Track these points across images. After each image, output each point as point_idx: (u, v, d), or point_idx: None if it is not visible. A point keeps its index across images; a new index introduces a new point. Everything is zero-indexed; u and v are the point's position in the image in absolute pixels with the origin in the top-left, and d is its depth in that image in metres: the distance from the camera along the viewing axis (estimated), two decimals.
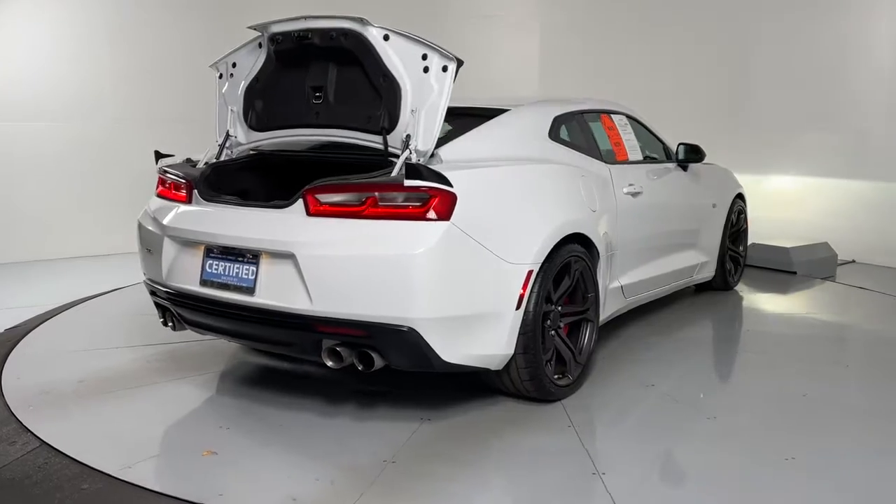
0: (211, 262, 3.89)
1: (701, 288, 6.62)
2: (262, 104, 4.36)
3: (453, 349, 3.58)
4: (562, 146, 4.62)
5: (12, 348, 5.00)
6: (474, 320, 3.63)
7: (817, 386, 4.45)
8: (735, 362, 4.97)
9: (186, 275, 3.98)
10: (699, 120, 8.97)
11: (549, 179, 4.26)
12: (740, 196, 6.86)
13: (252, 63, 4.35)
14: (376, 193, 3.54)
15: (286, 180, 4.42)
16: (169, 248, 4.06)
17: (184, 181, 4.14)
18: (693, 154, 5.83)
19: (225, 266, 3.84)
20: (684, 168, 5.93)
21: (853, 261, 8.25)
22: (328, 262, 3.52)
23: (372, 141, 3.99)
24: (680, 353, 5.08)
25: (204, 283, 3.90)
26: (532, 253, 3.86)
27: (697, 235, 6.13)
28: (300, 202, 3.67)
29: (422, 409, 3.95)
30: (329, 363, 3.66)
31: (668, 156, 5.90)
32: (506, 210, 3.84)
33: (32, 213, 8.10)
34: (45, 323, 5.65)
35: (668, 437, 3.72)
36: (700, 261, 6.19)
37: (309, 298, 3.54)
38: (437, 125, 3.77)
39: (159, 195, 4.38)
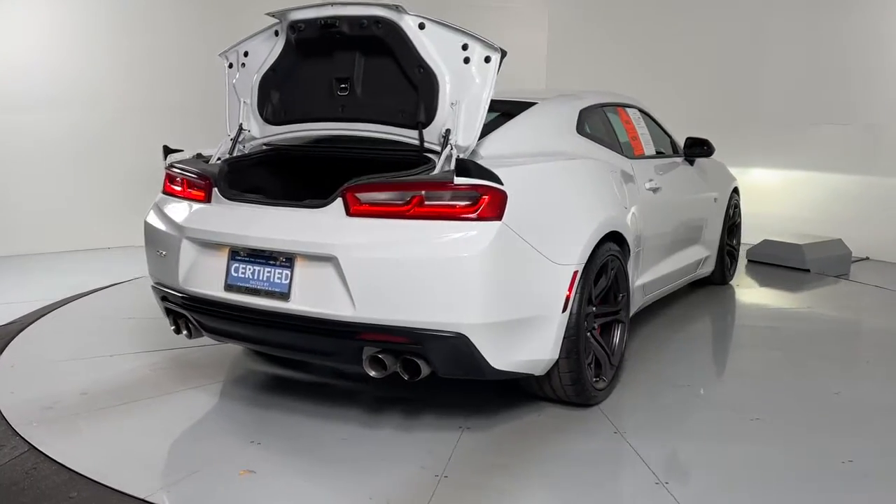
0: (237, 265, 3.64)
1: (696, 283, 6.58)
2: (279, 96, 4.11)
3: (503, 356, 3.41)
4: (589, 140, 4.49)
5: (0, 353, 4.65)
6: (523, 325, 3.47)
7: (846, 383, 4.42)
8: (758, 360, 4.91)
9: (208, 279, 3.72)
10: (708, 113, 8.87)
11: (589, 175, 4.13)
12: (735, 190, 6.85)
13: (267, 52, 4.09)
14: (423, 192, 3.34)
15: (310, 178, 4.18)
16: (187, 251, 3.78)
17: (201, 179, 3.86)
18: (702, 148, 5.77)
19: (253, 270, 3.59)
20: (691, 163, 5.87)
21: (867, 258, 8.09)
22: (373, 266, 3.31)
23: (405, 136, 3.78)
24: (699, 351, 5.01)
25: (229, 288, 3.64)
26: (577, 253, 3.72)
27: (703, 230, 6.08)
28: (339, 202, 3.45)
29: (459, 417, 3.77)
30: (371, 373, 3.45)
31: (675, 150, 5.83)
32: (553, 208, 3.68)
33: (28, 205, 7.77)
34: (36, 323, 5.29)
35: (717, 440, 3.62)
36: (704, 255, 6.15)
37: (352, 304, 3.33)
38: (480, 119, 3.58)
39: (169, 193, 4.09)
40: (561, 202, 3.78)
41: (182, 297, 3.83)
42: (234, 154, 4.17)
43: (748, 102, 9.15)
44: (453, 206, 3.33)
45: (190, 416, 3.85)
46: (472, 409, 3.86)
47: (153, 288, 4.11)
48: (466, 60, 3.59)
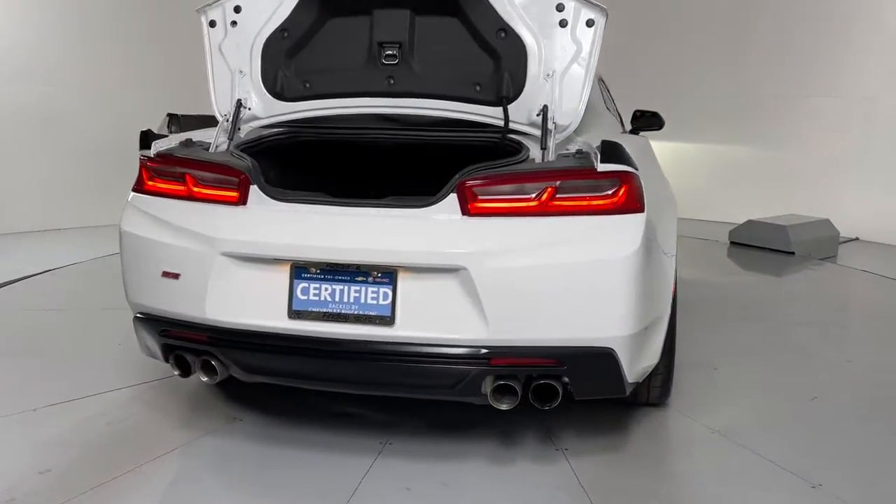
0: (305, 285, 2.82)
1: None
2: (294, 65, 3.27)
3: (635, 367, 2.98)
4: (611, 115, 4.13)
5: None
6: (649, 330, 3.05)
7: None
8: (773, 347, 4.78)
9: (259, 306, 2.86)
10: (695, 86, 8.39)
11: (653, 154, 3.77)
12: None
13: (272, 8, 3.24)
14: (557, 183, 2.78)
15: (349, 171, 3.39)
16: (223, 271, 2.87)
17: (233, 174, 2.95)
18: (654, 120, 5.62)
19: (333, 290, 2.81)
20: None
21: (856, 238, 7.66)
22: (511, 277, 2.71)
23: (482, 114, 3.16)
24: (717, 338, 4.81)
25: (297, 315, 2.82)
26: (674, 242, 3.37)
27: None
28: (451, 199, 2.78)
29: (554, 439, 3.28)
30: (501, 405, 2.85)
31: (621, 122, 5.64)
32: (655, 191, 3.28)
33: None
34: None
35: (837, 437, 3.43)
36: None
37: (484, 324, 2.71)
38: (584, 94, 3.08)
39: (157, 193, 3.10)
40: (658, 185, 3.39)
41: (210, 332, 2.91)
42: (235, 139, 3.26)
43: (736, 75, 8.52)
44: (592, 198, 2.81)
45: (232, 475, 2.96)
46: (558, 428, 3.37)
47: (140, 321, 3.11)
48: (563, 23, 3.05)
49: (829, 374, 4.20)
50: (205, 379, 3.07)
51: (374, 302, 2.78)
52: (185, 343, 3.02)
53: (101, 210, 6.80)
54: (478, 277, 2.68)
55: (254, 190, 2.92)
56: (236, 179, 2.94)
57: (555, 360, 2.79)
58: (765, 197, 8.26)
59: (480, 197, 2.77)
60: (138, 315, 3.13)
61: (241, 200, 2.92)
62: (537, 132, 3.09)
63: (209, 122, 4.85)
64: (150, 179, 3.13)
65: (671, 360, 3.43)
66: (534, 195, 2.78)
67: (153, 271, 3.00)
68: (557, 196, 2.78)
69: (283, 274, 2.84)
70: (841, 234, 7.38)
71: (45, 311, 5.03)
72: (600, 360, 2.80)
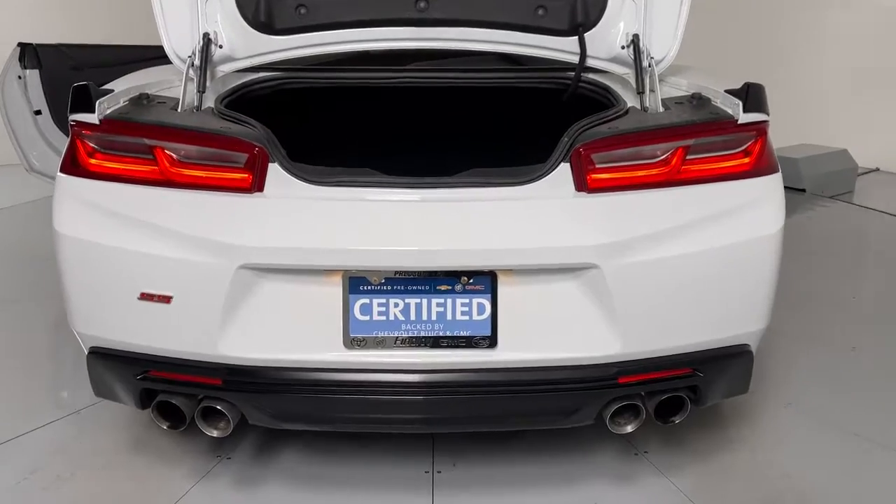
0: (366, 301, 2.03)
1: None
2: None
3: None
4: None
5: None
6: None
7: None
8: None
9: (300, 334, 2.04)
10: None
11: None
12: None
13: None
14: (691, 142, 2.12)
15: (368, 131, 2.54)
16: (243, 289, 2.01)
17: (242, 148, 2.04)
18: None
19: (407, 305, 2.04)
20: None
21: (877, 169, 6.78)
22: (652, 272, 2.06)
23: (550, 47, 2.43)
24: None
25: (356, 342, 2.03)
26: None
27: None
28: (562, 171, 2.05)
29: (626, 449, 2.72)
30: (624, 429, 2.25)
31: None
32: None
33: None
34: None
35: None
36: None
37: (616, 336, 2.06)
38: (681, 19, 2.41)
39: (111, 177, 2.14)
40: None
41: (227, 374, 2.07)
42: (208, 91, 2.33)
43: None
44: (723, 158, 2.18)
45: None
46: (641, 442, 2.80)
47: (100, 359, 2.19)
48: None
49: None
50: (212, 433, 2.22)
51: (467, 318, 2.04)
52: (180, 388, 2.15)
53: None
54: (612, 277, 2.01)
55: (274, 170, 2.04)
56: (245, 155, 2.04)
57: (690, 369, 2.19)
58: (775, 125, 7.48)
59: (600, 166, 2.06)
60: (96, 351, 2.20)
61: (256, 186, 2.04)
62: (623, 70, 2.41)
63: (101, 57, 3.76)
64: (96, 156, 2.15)
65: None
66: (660, 160, 2.10)
67: (124, 293, 2.08)
68: (688, 159, 2.12)
69: (334, 288, 2.02)
70: (860, 166, 6.50)
71: None
72: (736, 361, 2.25)
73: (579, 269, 2.02)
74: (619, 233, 2.02)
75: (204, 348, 2.06)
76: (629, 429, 2.24)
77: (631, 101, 2.41)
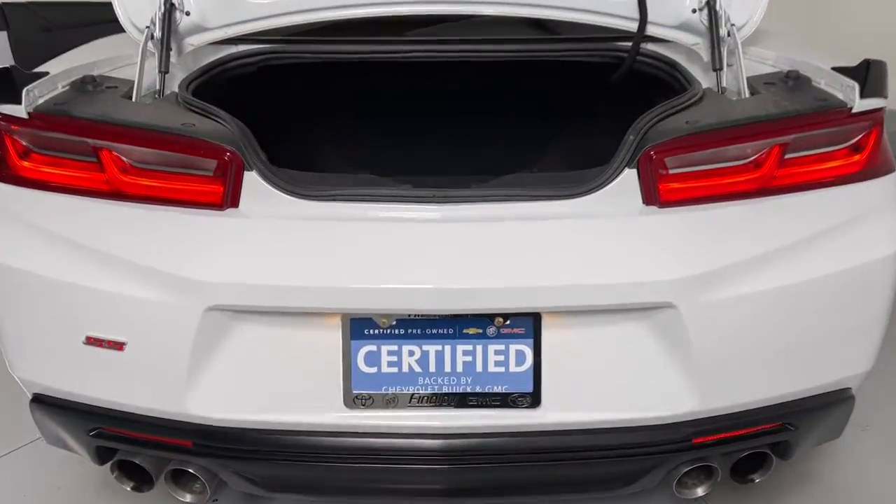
0: (372, 348, 1.59)
1: None
2: None
3: None
4: None
5: None
6: None
7: None
8: None
9: (289, 390, 1.60)
10: None
11: None
12: None
13: None
14: (790, 138, 1.63)
15: (373, 118, 2.07)
16: (215, 335, 1.56)
17: (212, 154, 1.57)
18: None
19: (425, 353, 1.60)
20: None
21: None
22: (740, 310, 1.60)
23: (600, 10, 1.93)
24: None
25: (360, 400, 1.59)
26: None
27: None
28: (627, 179, 1.58)
29: None
30: (693, 493, 1.81)
31: None
32: None
33: None
34: None
35: None
36: None
37: (692, 389, 1.61)
38: None
39: (46, 186, 1.67)
40: None
41: (199, 436, 1.64)
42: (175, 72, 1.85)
43: None
44: (829, 157, 1.70)
45: None
46: None
47: (44, 407, 1.76)
48: None
49: None
50: (185, 498, 1.80)
51: (502, 369, 1.59)
52: (143, 449, 1.72)
53: None
54: (692, 318, 1.55)
55: (251, 180, 1.57)
56: (213, 162, 1.57)
57: (781, 423, 1.74)
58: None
59: (676, 172, 1.59)
60: (40, 399, 1.77)
61: (228, 201, 1.58)
62: (693, 40, 1.92)
63: (76, 16, 3.36)
64: (31, 158, 1.68)
65: None
66: (750, 162, 1.62)
67: (66, 335, 1.64)
68: (785, 160, 1.64)
69: (331, 332, 1.57)
70: None
71: None
72: (836, 408, 1.80)
73: (648, 309, 1.56)
74: (701, 261, 1.55)
75: (168, 405, 1.62)
76: (699, 492, 1.81)
77: (703, 79, 1.92)
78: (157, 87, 1.86)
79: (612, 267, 1.53)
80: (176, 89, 1.83)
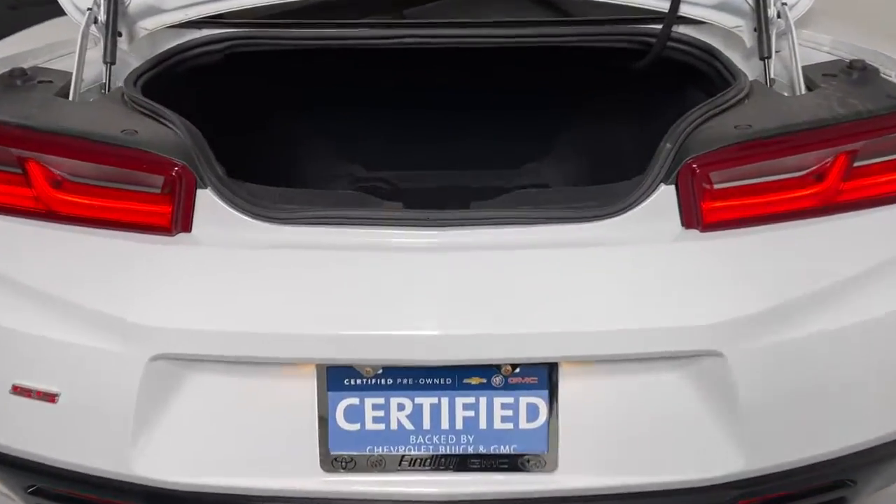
0: (354, 402, 1.32)
1: None
2: None
3: None
4: None
5: None
6: None
7: None
8: None
9: (253, 450, 1.33)
10: None
11: None
12: None
13: None
14: (859, 144, 1.35)
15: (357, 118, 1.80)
16: (164, 387, 1.29)
17: (159, 169, 1.29)
18: None
19: (417, 407, 1.33)
20: None
21: None
22: (803, 355, 1.32)
23: None
24: None
25: (339, 463, 1.32)
26: None
27: None
28: (663, 197, 1.30)
29: None
30: None
31: None
32: None
33: None
34: None
35: None
36: None
37: (737, 447, 1.34)
38: None
39: None
40: None
41: (147, 500, 1.37)
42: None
43: None
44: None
45: None
46: None
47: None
48: None
49: None
50: None
51: (510, 426, 1.32)
52: None
53: None
54: (741, 366, 1.28)
55: (206, 200, 1.29)
56: (160, 178, 1.29)
57: (839, 478, 1.48)
58: None
59: (721, 188, 1.31)
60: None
61: (178, 224, 1.30)
62: (734, 22, 1.63)
63: None
64: None
65: None
66: (810, 174, 1.34)
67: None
68: (853, 170, 1.36)
69: (304, 383, 1.30)
70: None
71: None
72: None
73: (687, 357, 1.28)
74: (755, 298, 1.27)
75: (112, 465, 1.36)
76: None
77: (745, 67, 1.63)
78: (105, 80, 1.57)
79: (646, 307, 1.25)
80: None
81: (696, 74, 1.68)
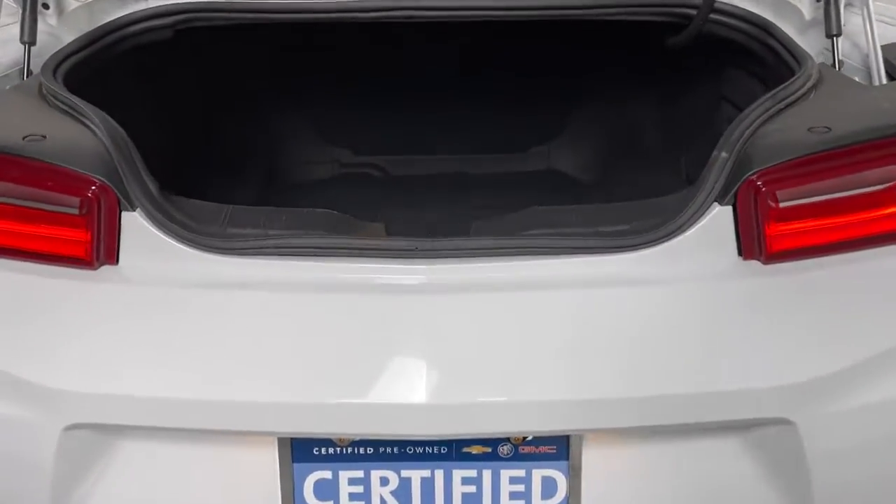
0: (325, 475, 1.06)
1: None
2: None
3: None
4: None
5: None
6: None
7: None
8: None
9: None
10: None
11: None
12: None
13: None
14: None
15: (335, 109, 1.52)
16: (83, 460, 1.04)
17: (65, 186, 1.00)
18: None
19: (405, 481, 1.07)
20: None
21: None
22: (888, 420, 1.04)
23: None
24: None
25: None
26: None
27: None
28: (716, 220, 1.01)
29: None
30: None
31: None
32: None
33: None
34: None
35: None
36: None
37: None
38: None
39: None
40: None
41: None
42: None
43: None
44: None
45: None
46: None
47: None
48: None
49: None
50: None
51: (522, 503, 1.06)
52: None
53: None
54: (815, 435, 1.01)
55: (132, 224, 1.02)
56: (75, 199, 1.00)
57: None
58: None
59: (788, 206, 1.02)
60: None
61: (101, 254, 1.03)
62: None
63: None
64: None
65: None
66: (889, 189, 1.06)
67: None
68: None
69: (263, 451, 1.04)
70: None
71: None
72: None
73: (745, 428, 1.02)
74: (833, 352, 1.00)
75: None
76: None
77: (804, 44, 1.34)
78: (23, 65, 1.29)
79: (695, 366, 0.98)
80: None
81: (744, 53, 1.38)
